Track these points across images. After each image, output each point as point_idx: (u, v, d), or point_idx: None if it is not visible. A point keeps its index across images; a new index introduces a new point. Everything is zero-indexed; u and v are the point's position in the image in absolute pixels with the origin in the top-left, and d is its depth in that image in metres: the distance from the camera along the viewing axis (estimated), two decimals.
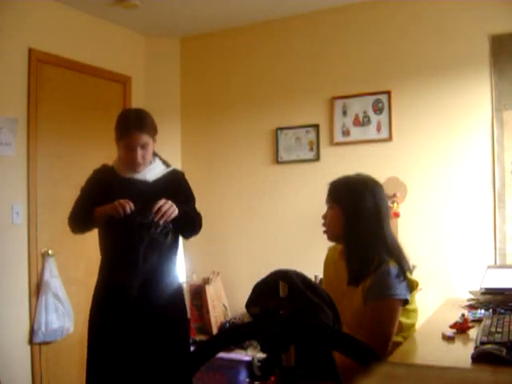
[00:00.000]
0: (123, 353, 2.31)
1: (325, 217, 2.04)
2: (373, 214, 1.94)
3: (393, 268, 1.88)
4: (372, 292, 1.85)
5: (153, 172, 2.44)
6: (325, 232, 2.05)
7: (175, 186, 2.47)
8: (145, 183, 2.41)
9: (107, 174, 2.44)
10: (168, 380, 2.32)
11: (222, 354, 3.35)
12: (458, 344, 1.72)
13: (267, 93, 4.07)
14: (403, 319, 1.91)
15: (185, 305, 2.55)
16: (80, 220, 2.41)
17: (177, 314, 2.45)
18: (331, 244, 2.16)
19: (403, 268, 1.90)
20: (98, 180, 2.45)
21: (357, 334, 1.73)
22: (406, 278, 1.89)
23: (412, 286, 1.91)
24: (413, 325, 1.97)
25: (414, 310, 1.98)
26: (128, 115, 2.43)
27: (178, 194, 2.43)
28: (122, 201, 2.22)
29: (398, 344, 1.83)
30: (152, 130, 2.40)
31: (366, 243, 1.92)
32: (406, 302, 1.89)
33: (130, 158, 2.36)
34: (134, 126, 2.33)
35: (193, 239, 4.09)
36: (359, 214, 1.94)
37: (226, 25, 4.15)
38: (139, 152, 2.34)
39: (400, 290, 1.86)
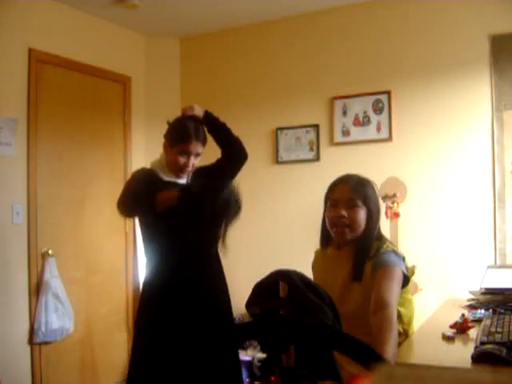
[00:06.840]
0: (180, 343, 2.36)
1: (350, 215, 1.95)
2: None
3: (392, 249, 1.92)
4: (376, 266, 1.85)
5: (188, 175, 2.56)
6: (344, 232, 1.95)
7: (203, 171, 2.58)
8: (184, 185, 2.51)
9: (150, 177, 2.45)
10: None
11: None
12: (458, 344, 1.72)
13: (267, 93, 4.07)
14: (400, 308, 1.88)
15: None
16: (140, 200, 2.33)
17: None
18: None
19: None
20: (144, 179, 2.44)
21: (359, 329, 1.73)
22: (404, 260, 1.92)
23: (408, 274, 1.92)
24: (410, 317, 1.96)
25: (410, 301, 1.97)
26: (188, 124, 2.49)
27: (209, 171, 2.57)
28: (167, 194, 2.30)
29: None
30: (205, 142, 2.52)
31: (372, 242, 1.96)
32: (406, 279, 1.87)
33: (181, 164, 2.43)
34: (194, 135, 2.44)
35: None
36: (378, 214, 2.00)
37: (226, 25, 4.16)
38: (192, 160, 2.44)
39: (401, 265, 1.86)
